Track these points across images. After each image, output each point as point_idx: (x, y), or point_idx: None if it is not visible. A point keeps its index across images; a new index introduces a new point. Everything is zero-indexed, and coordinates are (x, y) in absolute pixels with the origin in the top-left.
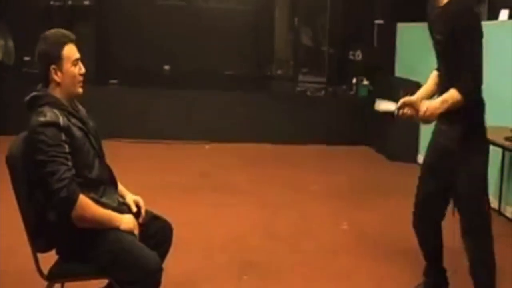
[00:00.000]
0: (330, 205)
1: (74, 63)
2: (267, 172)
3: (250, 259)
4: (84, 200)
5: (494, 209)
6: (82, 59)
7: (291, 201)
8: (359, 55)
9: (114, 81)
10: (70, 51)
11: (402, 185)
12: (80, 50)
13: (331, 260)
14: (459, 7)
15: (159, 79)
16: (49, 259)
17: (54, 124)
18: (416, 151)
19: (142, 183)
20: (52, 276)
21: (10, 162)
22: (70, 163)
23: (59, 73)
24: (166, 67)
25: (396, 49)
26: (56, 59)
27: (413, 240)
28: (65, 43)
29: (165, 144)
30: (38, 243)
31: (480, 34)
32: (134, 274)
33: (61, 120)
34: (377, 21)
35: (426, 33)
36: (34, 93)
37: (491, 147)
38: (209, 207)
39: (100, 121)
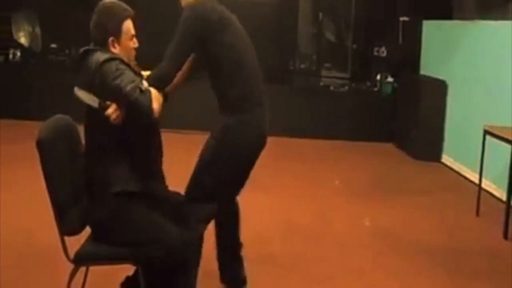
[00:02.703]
0: (351, 201)
1: (131, 37)
2: (288, 166)
3: (269, 252)
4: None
5: None
6: None
7: (311, 196)
8: (383, 52)
9: None
10: (129, 26)
11: (425, 183)
12: None
13: (351, 255)
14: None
15: None
16: (71, 244)
17: (117, 59)
18: (440, 150)
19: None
20: (79, 259)
21: (41, 145)
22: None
23: (116, 45)
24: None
25: (422, 46)
26: (116, 32)
27: (434, 239)
28: (125, 18)
29: (185, 134)
30: (65, 225)
31: (185, 32)
32: (158, 249)
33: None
34: (402, 18)
35: (452, 31)
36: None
37: None
38: None
39: None
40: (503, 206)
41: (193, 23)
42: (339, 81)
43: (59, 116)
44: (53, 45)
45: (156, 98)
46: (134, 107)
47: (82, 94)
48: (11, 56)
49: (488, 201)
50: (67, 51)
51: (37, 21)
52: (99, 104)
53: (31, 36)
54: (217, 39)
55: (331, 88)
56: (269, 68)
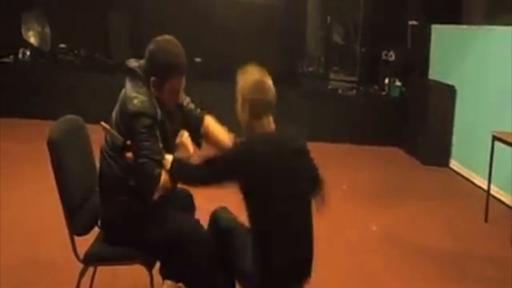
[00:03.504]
0: (360, 205)
1: (172, 92)
2: None
3: None
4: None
5: None
6: (115, 47)
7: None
8: (392, 56)
9: None
10: (175, 84)
11: (433, 188)
12: (113, 39)
13: (360, 260)
14: None
15: (190, 71)
16: (79, 245)
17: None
18: (448, 156)
19: None
20: (89, 258)
21: (52, 145)
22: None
23: (157, 88)
24: (197, 59)
25: (430, 51)
26: (158, 83)
27: (442, 245)
28: (178, 74)
29: None
30: (75, 225)
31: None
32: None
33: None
34: (410, 22)
35: (461, 36)
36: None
37: None
38: (237, 201)
39: None
40: None
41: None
42: (347, 85)
43: (69, 116)
44: (62, 45)
45: (164, 182)
46: (141, 180)
47: (109, 127)
48: (20, 55)
49: (496, 207)
50: (76, 51)
51: (46, 21)
52: (122, 143)
53: (40, 36)
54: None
55: (339, 91)
56: (277, 71)
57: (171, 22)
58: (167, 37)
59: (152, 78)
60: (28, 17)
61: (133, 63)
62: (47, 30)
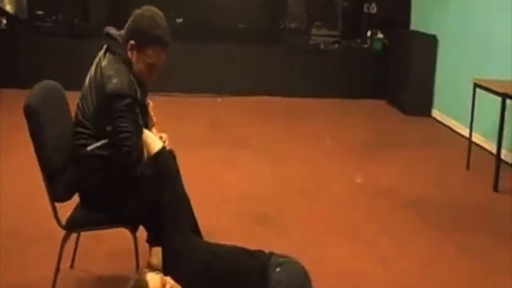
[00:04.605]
0: (344, 159)
1: (148, 62)
2: (280, 125)
3: (263, 211)
4: None
5: None
6: (95, 9)
7: (304, 155)
8: (374, 8)
9: None
10: (154, 55)
11: (416, 138)
12: (92, 2)
13: (345, 213)
14: None
15: (172, 32)
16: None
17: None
18: (430, 105)
19: None
20: (70, 225)
21: (29, 111)
22: None
23: (134, 53)
24: (179, 20)
25: (412, 1)
26: (139, 45)
27: (425, 193)
28: (156, 45)
29: (178, 97)
30: (56, 191)
31: None
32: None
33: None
34: None
35: None
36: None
37: None
38: (221, 160)
39: None
40: (493, 159)
41: None
42: (330, 39)
43: (46, 81)
44: (40, 12)
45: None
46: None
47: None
48: None
49: (478, 154)
50: (53, 17)
51: None
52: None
53: (17, 3)
54: None
55: (321, 46)
56: (259, 28)
57: None
58: (154, 8)
59: (131, 42)
60: None
61: (112, 30)
62: None
